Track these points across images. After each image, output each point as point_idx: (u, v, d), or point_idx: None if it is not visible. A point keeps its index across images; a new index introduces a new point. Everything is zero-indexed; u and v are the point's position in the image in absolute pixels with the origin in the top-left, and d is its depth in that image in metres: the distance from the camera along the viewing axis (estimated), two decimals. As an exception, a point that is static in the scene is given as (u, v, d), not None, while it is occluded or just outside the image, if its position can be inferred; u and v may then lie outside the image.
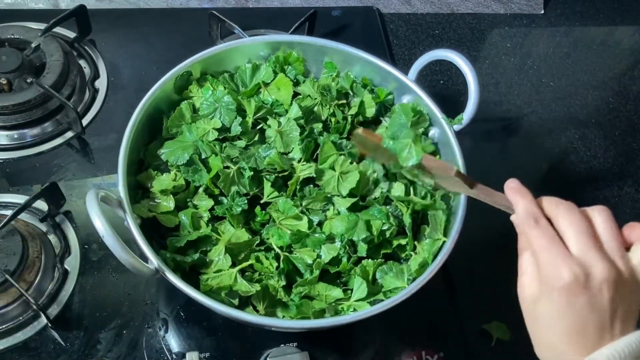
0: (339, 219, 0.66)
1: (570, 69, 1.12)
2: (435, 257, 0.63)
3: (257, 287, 0.61)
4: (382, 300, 0.60)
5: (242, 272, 0.63)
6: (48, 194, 0.73)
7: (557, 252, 0.46)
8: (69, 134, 0.84)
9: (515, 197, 0.51)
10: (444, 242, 0.64)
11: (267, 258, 0.64)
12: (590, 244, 0.46)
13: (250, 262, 0.64)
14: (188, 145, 0.68)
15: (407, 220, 0.66)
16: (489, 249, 0.84)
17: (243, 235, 0.64)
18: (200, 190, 0.68)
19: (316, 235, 0.65)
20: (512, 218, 0.51)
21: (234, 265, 0.63)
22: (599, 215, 0.48)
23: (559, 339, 0.47)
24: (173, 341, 0.70)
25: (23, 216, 0.74)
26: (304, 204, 0.67)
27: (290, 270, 0.65)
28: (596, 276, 0.45)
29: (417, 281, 0.60)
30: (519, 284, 0.49)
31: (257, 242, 0.65)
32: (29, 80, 0.83)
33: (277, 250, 0.64)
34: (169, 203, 0.66)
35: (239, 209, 0.66)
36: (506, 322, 0.77)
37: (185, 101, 0.72)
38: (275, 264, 0.63)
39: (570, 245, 0.46)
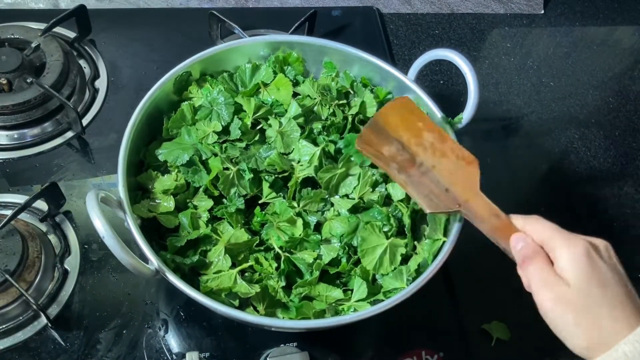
0: (338, 220, 0.66)
1: (570, 69, 1.12)
2: (435, 257, 0.63)
3: (257, 288, 0.61)
4: (382, 301, 0.60)
5: (242, 272, 0.63)
6: (48, 194, 0.73)
7: (565, 233, 0.52)
8: (69, 134, 0.84)
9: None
10: (443, 242, 0.64)
11: (266, 259, 0.64)
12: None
13: (250, 263, 0.64)
14: (187, 146, 0.68)
15: (406, 221, 0.66)
16: (489, 249, 0.83)
17: (242, 235, 0.64)
18: (200, 191, 0.68)
19: (312, 237, 0.65)
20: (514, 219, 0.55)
21: (233, 266, 0.63)
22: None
23: (600, 313, 0.48)
24: (173, 341, 0.70)
25: (23, 216, 0.74)
26: (301, 205, 0.67)
27: (290, 271, 0.65)
28: (599, 243, 0.51)
29: (417, 281, 0.60)
30: (538, 291, 0.51)
31: (257, 242, 0.65)
32: (29, 80, 0.83)
33: (278, 250, 0.64)
34: (169, 203, 0.66)
35: (234, 208, 0.65)
36: (506, 322, 0.77)
37: (186, 102, 0.72)
38: (274, 265, 0.63)
39: None
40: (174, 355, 0.69)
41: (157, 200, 0.66)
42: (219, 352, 0.70)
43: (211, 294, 0.60)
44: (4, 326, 0.68)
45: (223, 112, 0.70)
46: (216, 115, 0.70)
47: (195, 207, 0.67)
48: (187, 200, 0.68)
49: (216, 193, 0.67)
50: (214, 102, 0.70)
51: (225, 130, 0.70)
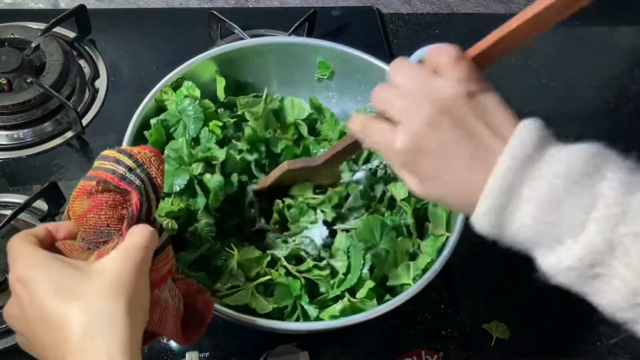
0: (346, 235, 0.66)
1: (570, 69, 1.12)
2: (439, 252, 0.63)
3: (273, 303, 0.60)
4: (389, 300, 0.60)
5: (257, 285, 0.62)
6: (48, 193, 0.73)
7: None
8: (69, 134, 0.84)
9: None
10: (447, 237, 0.64)
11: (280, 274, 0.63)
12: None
13: (267, 277, 0.62)
14: (180, 169, 0.65)
15: (409, 220, 0.66)
16: (489, 248, 0.83)
17: (253, 252, 0.63)
18: (200, 212, 0.65)
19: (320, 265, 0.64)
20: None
21: (248, 280, 0.62)
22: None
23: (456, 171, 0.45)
24: (173, 341, 0.70)
25: (23, 216, 0.73)
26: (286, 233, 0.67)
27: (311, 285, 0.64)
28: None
29: (424, 277, 0.59)
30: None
31: (269, 259, 0.64)
32: (28, 80, 0.83)
33: (295, 273, 0.63)
34: (172, 225, 0.63)
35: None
36: (506, 322, 0.77)
37: (154, 119, 0.68)
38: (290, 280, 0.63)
39: None
40: (173, 355, 0.69)
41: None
42: (219, 352, 0.70)
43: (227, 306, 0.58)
44: (3, 326, 0.67)
45: (190, 125, 0.69)
46: (182, 127, 0.69)
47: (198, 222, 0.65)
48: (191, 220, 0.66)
49: (216, 215, 0.66)
50: (184, 112, 0.69)
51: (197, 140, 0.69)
